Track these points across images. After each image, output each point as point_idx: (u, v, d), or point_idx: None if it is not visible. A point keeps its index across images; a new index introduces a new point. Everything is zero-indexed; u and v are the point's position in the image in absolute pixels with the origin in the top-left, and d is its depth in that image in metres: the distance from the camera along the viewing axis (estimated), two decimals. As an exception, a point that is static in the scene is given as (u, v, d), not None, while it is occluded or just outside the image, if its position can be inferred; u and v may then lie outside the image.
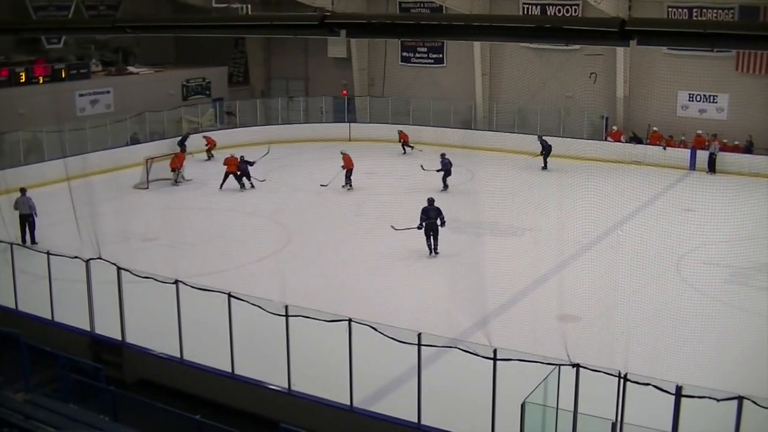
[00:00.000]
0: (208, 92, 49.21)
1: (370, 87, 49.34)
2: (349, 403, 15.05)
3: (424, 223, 25.48)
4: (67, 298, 18.95)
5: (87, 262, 18.12)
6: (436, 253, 25.46)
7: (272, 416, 15.13)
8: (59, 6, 41.98)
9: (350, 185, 33.91)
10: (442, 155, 34.31)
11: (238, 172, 34.43)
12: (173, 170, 35.71)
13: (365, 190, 33.46)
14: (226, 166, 34.70)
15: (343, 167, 33.97)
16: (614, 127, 40.85)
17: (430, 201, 25.93)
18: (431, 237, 25.48)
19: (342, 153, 34.51)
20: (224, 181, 34.44)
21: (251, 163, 34.72)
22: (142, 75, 46.83)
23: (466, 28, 11.18)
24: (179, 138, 40.45)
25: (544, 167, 38.26)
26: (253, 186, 34.59)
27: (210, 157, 40.87)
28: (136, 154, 37.55)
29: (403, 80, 47.99)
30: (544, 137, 39.08)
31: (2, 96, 38.09)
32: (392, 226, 26.26)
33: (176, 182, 35.69)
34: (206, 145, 41.36)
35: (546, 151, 38.50)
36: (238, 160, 34.75)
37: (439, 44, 46.61)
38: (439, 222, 25.51)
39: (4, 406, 14.18)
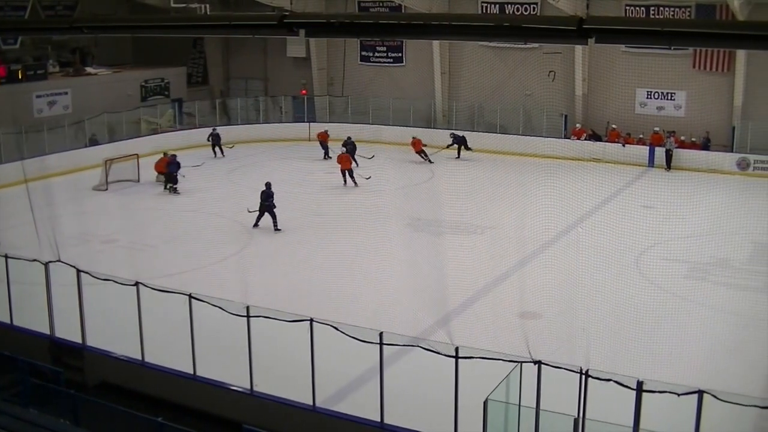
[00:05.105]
0: (166, 93, 48.77)
1: (330, 86, 49.22)
2: (311, 403, 15.04)
3: (264, 204, 28.63)
4: (26, 302, 18.75)
5: (46, 264, 17.93)
6: (278, 229, 28.39)
7: (235, 417, 15.11)
8: (15, 6, 41.49)
9: None
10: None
11: (175, 174, 33.91)
12: (162, 174, 34.87)
13: (328, 191, 33.55)
14: (339, 164, 34.71)
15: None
16: (578, 125, 41.12)
17: (267, 185, 28.91)
18: (269, 215, 28.44)
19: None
20: (345, 178, 34.31)
21: (178, 166, 34.19)
22: (100, 76, 46.36)
23: (426, 27, 11.25)
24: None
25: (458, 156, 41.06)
26: (177, 191, 34.02)
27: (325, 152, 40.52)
28: (95, 155, 37.23)
29: (363, 79, 48.00)
30: (454, 133, 41.25)
31: (-42, 97, 37.50)
32: (248, 209, 28.84)
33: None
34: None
35: (458, 142, 40.92)
36: (170, 160, 34.28)
37: (398, 43, 46.66)
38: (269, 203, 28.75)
39: (-37, 412, 14.01)
